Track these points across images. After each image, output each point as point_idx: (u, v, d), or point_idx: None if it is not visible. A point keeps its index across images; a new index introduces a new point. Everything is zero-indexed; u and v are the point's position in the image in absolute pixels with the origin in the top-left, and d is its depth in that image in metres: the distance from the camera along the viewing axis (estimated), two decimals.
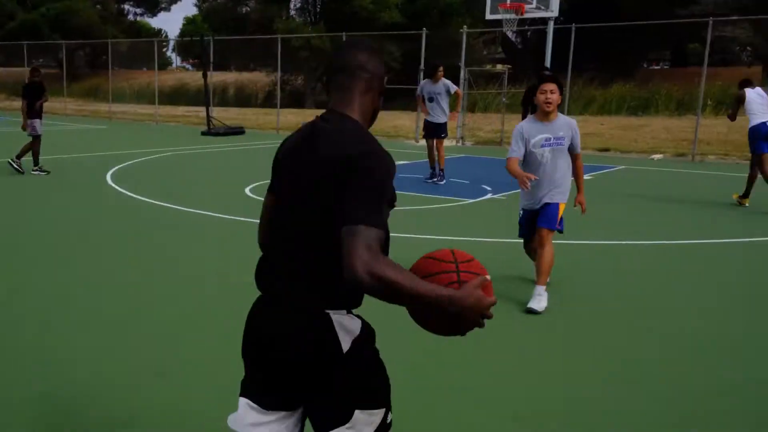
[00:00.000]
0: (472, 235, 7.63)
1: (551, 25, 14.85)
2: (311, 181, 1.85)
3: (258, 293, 1.99)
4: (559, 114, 5.16)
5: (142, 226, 7.91)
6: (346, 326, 1.85)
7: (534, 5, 14.37)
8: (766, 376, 4.04)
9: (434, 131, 11.39)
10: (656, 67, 53.12)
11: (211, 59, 24.40)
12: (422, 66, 18.33)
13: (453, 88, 11.30)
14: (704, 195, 10.87)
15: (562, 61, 17.29)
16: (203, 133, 20.91)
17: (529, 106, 12.04)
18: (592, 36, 30.57)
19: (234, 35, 37.59)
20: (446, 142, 19.59)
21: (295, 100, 40.31)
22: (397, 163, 13.00)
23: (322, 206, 1.80)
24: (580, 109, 30.42)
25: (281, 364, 1.88)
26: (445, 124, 11.43)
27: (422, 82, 11.73)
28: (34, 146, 11.41)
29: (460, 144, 18.96)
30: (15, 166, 11.34)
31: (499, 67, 43.69)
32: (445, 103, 11.26)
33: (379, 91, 2.00)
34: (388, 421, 1.94)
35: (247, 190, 10.35)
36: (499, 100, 22.43)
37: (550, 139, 5.08)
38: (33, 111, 11.27)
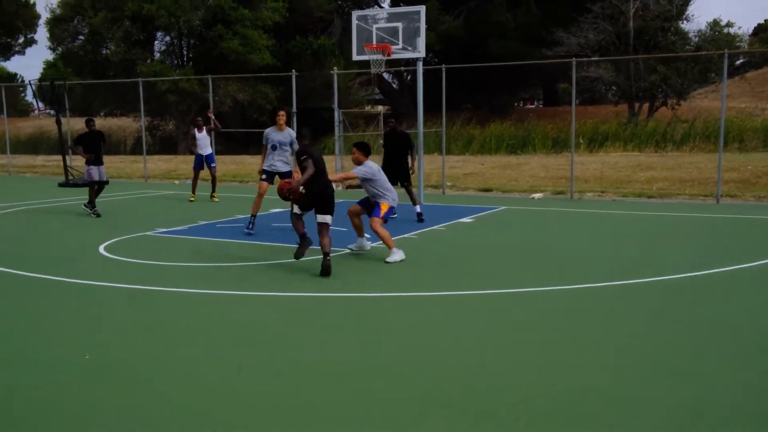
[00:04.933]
0: (349, 289, 7.19)
1: (420, 66, 14.94)
2: None
3: None
4: None
5: None
6: None
7: (401, 46, 14.38)
8: None
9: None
10: (531, 106, 55.45)
11: (66, 104, 23.02)
12: (294, 108, 18.02)
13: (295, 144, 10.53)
14: (584, 236, 10.97)
15: (437, 100, 17.42)
16: (60, 185, 19.57)
17: (389, 147, 12.56)
18: (466, 76, 31.49)
19: (97, 79, 36.00)
20: None
21: (166, 146, 38.93)
22: (274, 211, 12.33)
23: None
24: (460, 148, 31.00)
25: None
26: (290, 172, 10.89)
27: (267, 129, 10.96)
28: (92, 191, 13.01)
29: (339, 188, 18.60)
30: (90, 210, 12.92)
31: (379, 108, 44.19)
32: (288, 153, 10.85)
33: None
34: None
35: (101, 249, 9.49)
36: (378, 141, 22.31)
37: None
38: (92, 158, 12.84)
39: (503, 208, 14.19)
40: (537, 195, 16.60)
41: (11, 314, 6.41)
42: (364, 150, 8.90)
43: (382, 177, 8.88)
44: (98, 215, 12.85)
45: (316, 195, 8.02)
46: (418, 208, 12.15)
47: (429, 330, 5.84)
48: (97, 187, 13.12)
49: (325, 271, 7.72)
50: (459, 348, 5.36)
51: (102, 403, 4.31)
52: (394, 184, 12.05)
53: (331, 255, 7.85)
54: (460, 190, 17.89)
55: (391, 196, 8.90)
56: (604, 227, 11.72)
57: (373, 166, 8.82)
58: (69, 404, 4.32)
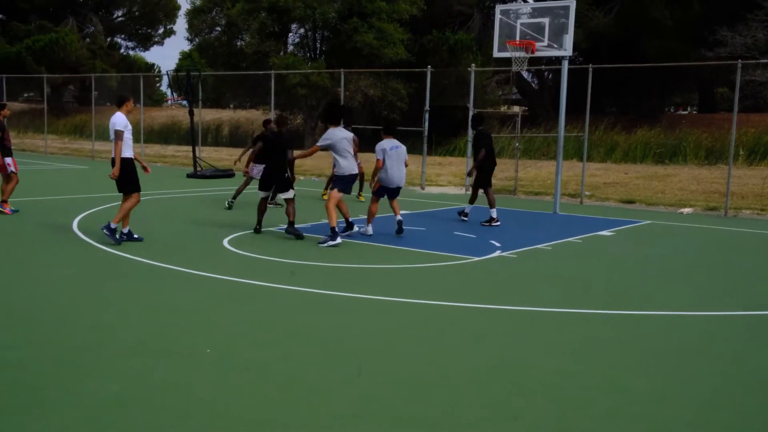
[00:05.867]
0: (478, 300, 7.17)
1: (565, 65, 14.59)
2: None
3: None
4: None
5: (96, 282, 7.48)
6: None
7: (546, 43, 14.13)
8: None
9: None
10: (683, 112, 53.11)
11: (200, 95, 24.23)
12: (426, 106, 18.08)
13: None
14: (736, 257, 10.42)
15: (580, 103, 17.01)
16: (189, 176, 20.63)
17: (480, 150, 12.85)
18: (613, 77, 30.59)
19: (230, 71, 37.66)
20: (455, 190, 19.21)
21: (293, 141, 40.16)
22: (405, 211, 12.27)
23: None
24: (601, 155, 30.10)
25: None
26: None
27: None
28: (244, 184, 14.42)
29: (470, 192, 18.53)
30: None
31: (515, 108, 43.61)
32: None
33: None
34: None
35: (225, 242, 9.94)
36: (513, 144, 22.10)
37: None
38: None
39: (647, 222, 13.69)
40: (686, 210, 15.91)
41: (132, 300, 6.84)
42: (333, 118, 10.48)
43: (341, 146, 10.00)
44: (230, 208, 13.80)
45: (271, 177, 10.36)
46: (466, 208, 13.23)
47: (556, 348, 5.74)
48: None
49: (297, 236, 10.18)
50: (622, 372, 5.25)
51: (240, 401, 4.53)
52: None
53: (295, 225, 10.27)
54: (600, 201, 17.39)
55: (339, 164, 10.07)
56: (762, 249, 11.07)
57: (333, 133, 10.12)
58: (209, 399, 4.58)
